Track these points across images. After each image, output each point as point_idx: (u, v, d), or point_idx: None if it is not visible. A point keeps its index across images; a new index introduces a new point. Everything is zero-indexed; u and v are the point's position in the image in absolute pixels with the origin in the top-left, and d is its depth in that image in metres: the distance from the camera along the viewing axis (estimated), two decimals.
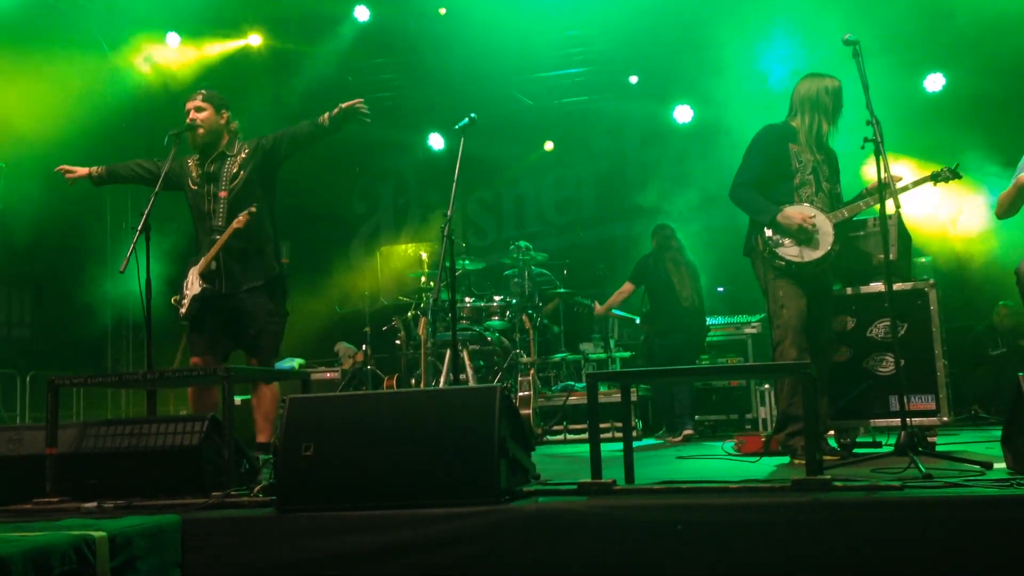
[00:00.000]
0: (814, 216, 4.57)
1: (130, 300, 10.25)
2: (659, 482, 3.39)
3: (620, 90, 10.85)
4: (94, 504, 3.59)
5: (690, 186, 9.68)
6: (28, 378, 9.98)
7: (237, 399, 6.78)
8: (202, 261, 4.92)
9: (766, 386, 7.67)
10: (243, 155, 5.06)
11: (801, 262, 4.56)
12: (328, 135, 5.09)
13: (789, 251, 4.57)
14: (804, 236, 4.55)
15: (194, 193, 5.07)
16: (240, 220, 4.83)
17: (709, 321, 8.41)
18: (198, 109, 5.04)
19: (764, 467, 4.24)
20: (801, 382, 4.07)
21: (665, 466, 4.84)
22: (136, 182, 5.33)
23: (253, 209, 4.85)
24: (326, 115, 5.02)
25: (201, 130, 5.01)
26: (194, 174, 5.09)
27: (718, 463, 4.73)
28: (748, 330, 8.38)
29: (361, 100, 5.01)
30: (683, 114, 10.60)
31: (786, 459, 4.50)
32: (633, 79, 10.74)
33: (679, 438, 7.27)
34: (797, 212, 4.56)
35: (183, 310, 4.95)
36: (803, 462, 3.34)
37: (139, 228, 4.56)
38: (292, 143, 5.11)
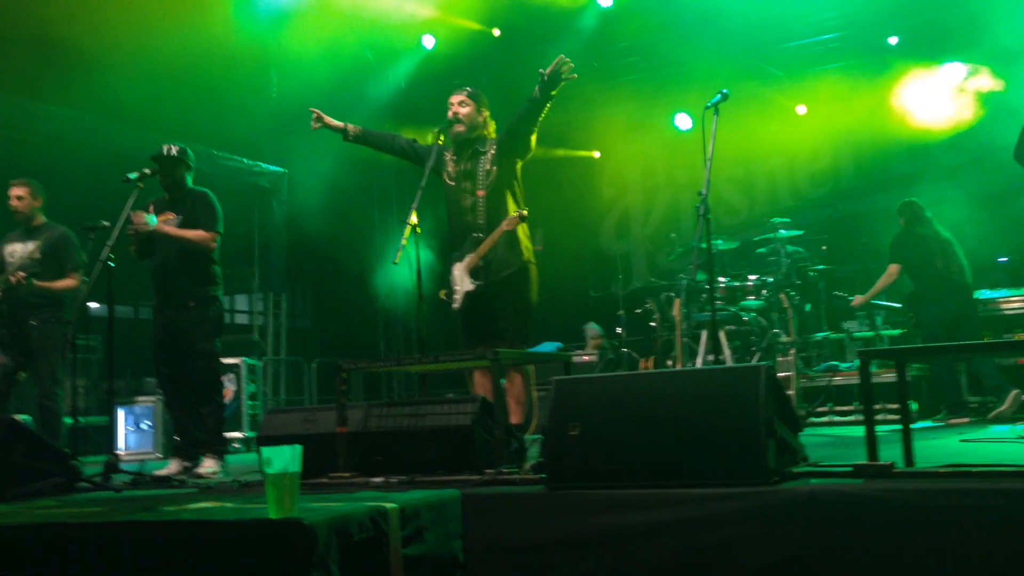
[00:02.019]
0: None
1: (400, 290, 10.96)
2: (943, 465, 3.18)
3: (879, 53, 10.19)
4: (381, 479, 3.87)
5: (963, 150, 8.95)
6: (313, 365, 10.92)
7: None
8: (469, 259, 5.15)
9: None
10: (493, 151, 5.24)
11: None
12: (542, 105, 5.09)
13: None
14: None
15: (452, 189, 5.30)
16: (512, 222, 5.01)
17: (991, 294, 7.78)
18: (462, 104, 5.27)
19: None
20: None
21: (947, 449, 4.53)
22: (387, 152, 5.61)
23: (525, 212, 5.03)
24: (536, 88, 5.06)
25: (462, 126, 5.23)
26: (450, 169, 5.31)
27: (1009, 447, 4.37)
28: None
29: (562, 56, 4.97)
30: (952, 73, 9.77)
31: None
32: (893, 40, 10.04)
33: (1006, 405, 6.76)
34: None
35: (456, 305, 5.23)
36: None
37: (409, 222, 4.84)
38: (520, 125, 5.19)
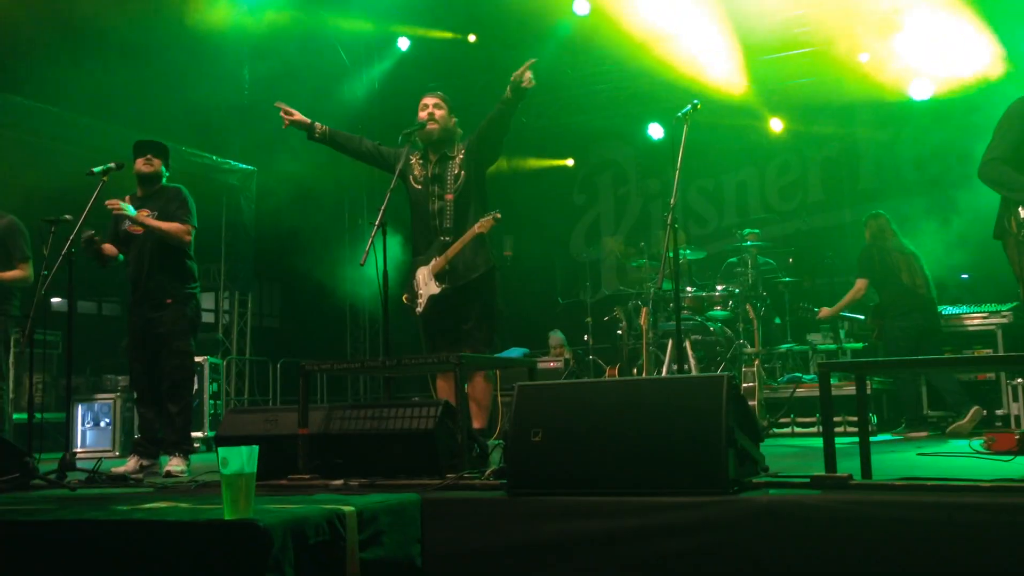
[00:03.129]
0: None
1: (367, 292, 10.90)
2: (900, 478, 3.21)
3: (850, 69, 10.31)
4: (340, 481, 3.84)
5: (929, 167, 9.09)
6: (279, 364, 10.83)
7: None
8: (436, 262, 5.13)
9: (1019, 380, 7.08)
10: (461, 156, 5.22)
11: None
12: (513, 107, 5.08)
13: None
14: None
15: (418, 192, 5.26)
16: (485, 224, 4.99)
17: (953, 310, 7.89)
18: (437, 106, 5.23)
19: (1019, 466, 3.92)
20: None
21: (905, 462, 4.57)
22: (353, 154, 5.53)
23: (498, 215, 5.01)
24: (508, 88, 5.05)
25: (435, 125, 5.20)
26: (417, 173, 5.28)
27: (965, 461, 4.41)
28: (998, 320, 7.75)
29: (532, 61, 4.94)
30: (921, 90, 9.90)
31: None
32: (864, 56, 10.16)
33: (966, 420, 6.80)
34: None
35: (420, 309, 5.19)
36: None
37: (376, 223, 4.81)
38: (491, 129, 5.21)
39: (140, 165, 5.49)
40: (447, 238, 5.14)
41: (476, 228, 5.02)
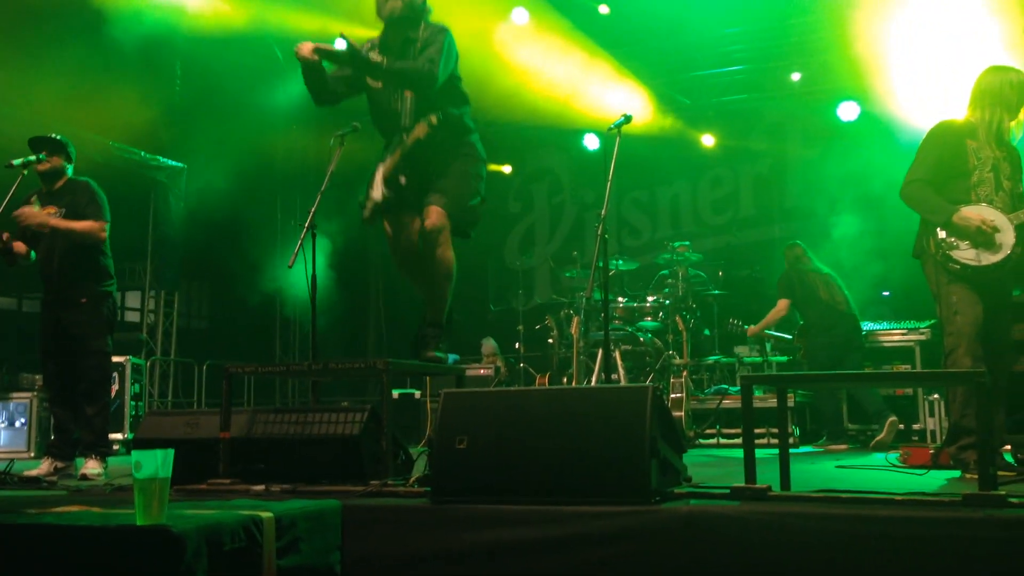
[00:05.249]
0: (993, 217, 4.29)
1: (297, 294, 10.76)
2: (817, 490, 3.27)
3: (782, 87, 10.54)
4: (262, 487, 3.78)
5: (855, 186, 9.31)
6: (205, 366, 10.61)
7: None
8: (389, 161, 4.57)
9: (935, 396, 7.29)
10: (425, 37, 4.56)
11: (978, 266, 4.29)
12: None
13: (965, 254, 4.31)
14: (982, 238, 4.28)
15: (378, 91, 4.67)
16: (420, 131, 4.43)
17: (873, 326, 8.10)
18: None
19: (932, 480, 4.03)
20: (975, 392, 3.83)
21: (823, 474, 4.67)
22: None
23: (433, 120, 4.42)
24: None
25: (398, 3, 4.55)
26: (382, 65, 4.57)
27: (881, 474, 4.52)
28: (916, 336, 7.98)
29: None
30: (848, 111, 10.17)
31: (956, 473, 4.26)
32: (796, 76, 10.41)
33: (884, 433, 6.97)
34: (975, 212, 4.29)
35: (366, 214, 4.65)
36: (975, 476, 3.16)
37: (306, 225, 4.73)
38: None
39: (40, 163, 5.30)
40: (405, 135, 4.54)
41: (416, 132, 4.45)
